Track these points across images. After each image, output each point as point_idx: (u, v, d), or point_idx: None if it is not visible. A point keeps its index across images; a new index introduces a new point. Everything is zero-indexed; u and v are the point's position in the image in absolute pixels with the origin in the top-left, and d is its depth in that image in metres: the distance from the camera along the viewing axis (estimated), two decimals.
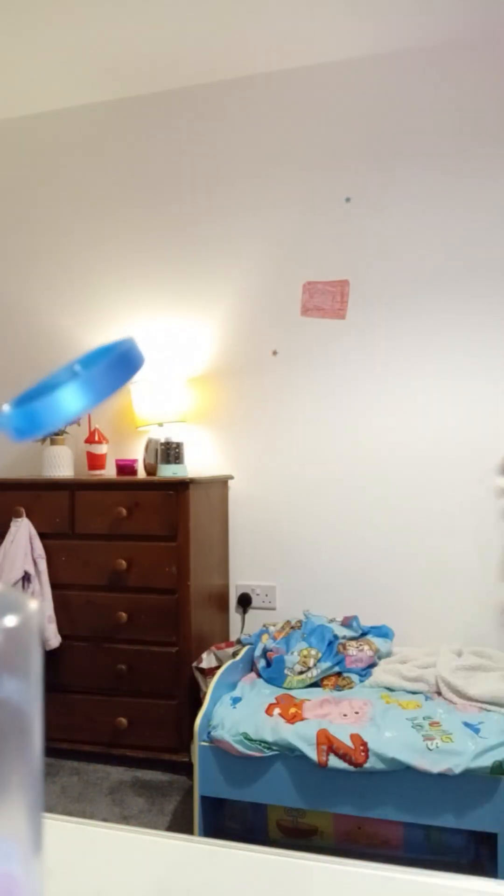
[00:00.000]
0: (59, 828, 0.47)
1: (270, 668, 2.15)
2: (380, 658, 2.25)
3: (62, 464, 2.64)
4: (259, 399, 2.72)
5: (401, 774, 1.69)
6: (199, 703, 2.19)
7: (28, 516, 2.40)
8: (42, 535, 2.40)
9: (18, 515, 2.39)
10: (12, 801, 0.25)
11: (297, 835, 1.88)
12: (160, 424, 2.64)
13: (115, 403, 2.90)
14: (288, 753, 1.76)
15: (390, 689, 2.05)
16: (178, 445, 2.50)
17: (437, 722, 1.79)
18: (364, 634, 2.34)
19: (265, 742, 1.77)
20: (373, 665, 2.21)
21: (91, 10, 2.33)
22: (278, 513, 2.69)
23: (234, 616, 2.74)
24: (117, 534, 2.37)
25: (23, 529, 2.35)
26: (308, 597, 2.66)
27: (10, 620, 0.25)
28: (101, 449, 2.70)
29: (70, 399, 0.29)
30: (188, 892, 0.40)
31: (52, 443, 2.66)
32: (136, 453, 2.85)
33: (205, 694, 1.97)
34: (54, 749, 2.42)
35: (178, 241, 2.83)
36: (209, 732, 1.84)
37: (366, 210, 2.62)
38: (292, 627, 2.34)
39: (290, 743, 1.74)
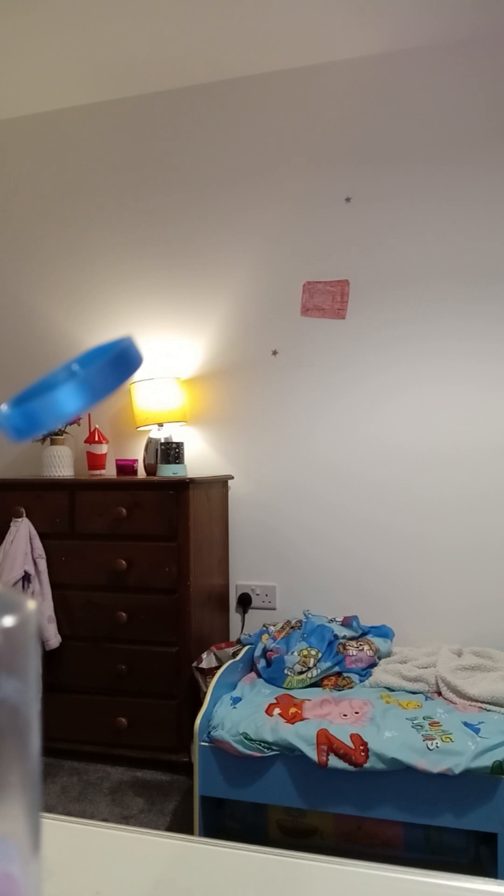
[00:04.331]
0: (58, 828, 0.47)
1: (270, 668, 2.15)
2: (380, 658, 2.25)
3: (62, 464, 2.64)
4: (259, 399, 2.72)
5: (401, 774, 1.69)
6: (199, 703, 2.19)
7: (28, 516, 2.40)
8: (42, 535, 2.40)
9: (18, 515, 2.39)
10: (11, 801, 0.25)
11: (297, 835, 1.88)
12: (160, 424, 2.64)
13: (115, 403, 2.90)
14: (288, 753, 1.76)
15: (390, 689, 2.05)
16: (178, 445, 2.50)
17: (437, 722, 1.79)
18: (364, 634, 2.34)
19: (265, 742, 1.77)
20: (373, 665, 2.21)
21: (92, 10, 2.33)
22: (278, 513, 2.69)
23: (234, 616, 2.74)
24: (117, 534, 2.36)
25: (23, 529, 2.35)
26: (308, 597, 2.66)
27: (9, 620, 0.25)
28: (101, 449, 2.70)
29: (68, 398, 0.29)
30: (188, 892, 0.40)
31: (52, 443, 2.66)
32: (136, 453, 2.85)
33: (205, 694, 1.97)
34: (54, 749, 2.42)
35: (179, 240, 2.83)
36: (209, 732, 1.84)
37: (366, 210, 2.62)
38: (292, 627, 2.34)
39: (290, 743, 1.74)
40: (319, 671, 2.10)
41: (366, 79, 2.62)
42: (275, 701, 1.93)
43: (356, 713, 1.85)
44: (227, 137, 2.77)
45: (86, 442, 2.70)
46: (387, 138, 2.61)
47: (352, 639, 2.27)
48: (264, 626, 2.42)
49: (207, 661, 2.25)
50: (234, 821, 1.95)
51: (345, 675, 2.13)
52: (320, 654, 2.15)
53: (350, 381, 2.63)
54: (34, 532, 2.38)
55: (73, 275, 2.96)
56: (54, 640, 2.36)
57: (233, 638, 2.71)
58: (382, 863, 0.43)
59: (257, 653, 2.23)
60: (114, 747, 2.35)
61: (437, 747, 1.67)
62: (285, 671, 2.12)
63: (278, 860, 0.43)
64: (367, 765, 1.68)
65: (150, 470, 2.61)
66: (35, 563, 2.36)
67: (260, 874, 0.42)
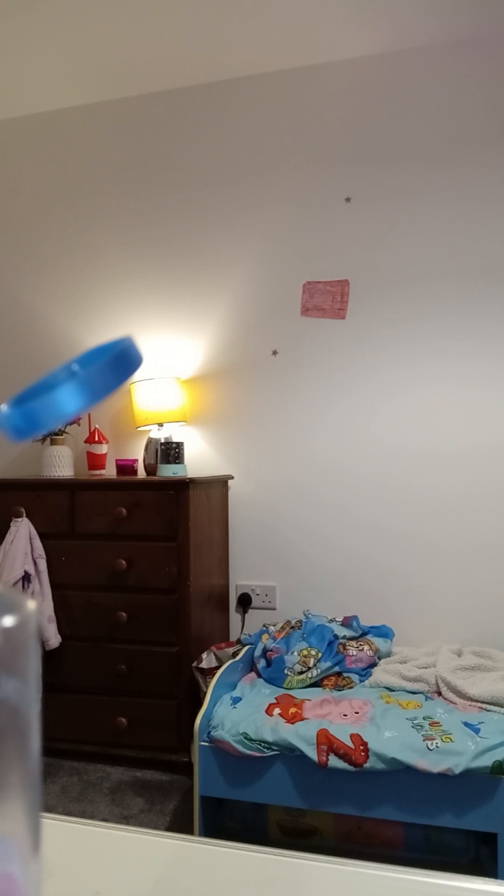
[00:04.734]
0: (58, 828, 0.47)
1: (270, 668, 2.15)
2: (380, 658, 2.25)
3: (62, 464, 2.64)
4: (259, 399, 2.72)
5: (401, 774, 1.69)
6: (199, 703, 2.19)
7: (28, 516, 2.40)
8: (42, 535, 2.40)
9: (18, 515, 2.39)
10: (11, 801, 0.25)
11: (297, 835, 1.88)
12: (160, 424, 2.64)
13: (115, 403, 2.90)
14: (288, 753, 1.76)
15: (390, 689, 2.05)
16: (178, 445, 2.50)
17: (437, 722, 1.79)
18: (364, 634, 2.34)
19: (265, 742, 1.77)
20: (373, 665, 2.20)
21: (92, 10, 2.33)
22: (278, 513, 2.69)
23: (234, 616, 2.74)
24: (117, 534, 2.36)
25: (23, 529, 2.35)
26: (308, 597, 2.66)
27: (9, 620, 0.25)
28: (101, 449, 2.70)
29: (68, 398, 0.29)
30: (188, 892, 0.40)
31: (52, 443, 2.66)
32: (136, 453, 2.85)
33: (205, 694, 1.97)
34: (54, 749, 2.42)
35: (179, 240, 2.83)
36: (209, 732, 1.84)
37: (366, 210, 2.62)
38: (292, 627, 2.34)
39: (290, 743, 1.74)
40: (319, 671, 2.10)
41: (366, 79, 2.62)
42: (275, 701, 1.93)
43: (356, 713, 1.85)
44: (227, 137, 2.77)
45: (86, 442, 2.70)
46: (387, 138, 2.60)
47: (352, 639, 2.27)
48: (264, 626, 2.42)
49: (207, 661, 2.25)
50: (234, 821, 1.95)
51: (345, 675, 2.13)
52: (320, 654, 2.15)
53: (350, 381, 2.63)
54: (34, 532, 2.38)
55: (73, 275, 2.96)
56: (54, 640, 2.36)
57: (233, 638, 2.71)
58: (382, 863, 0.43)
59: (257, 653, 2.23)
60: (114, 747, 2.35)
61: (437, 747, 1.67)
62: (285, 671, 2.12)
63: (278, 860, 0.43)
64: (367, 765, 1.68)
65: (150, 470, 2.61)
66: (35, 563, 2.36)
67: (260, 874, 0.42)
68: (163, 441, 2.54)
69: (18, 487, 2.47)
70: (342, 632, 2.29)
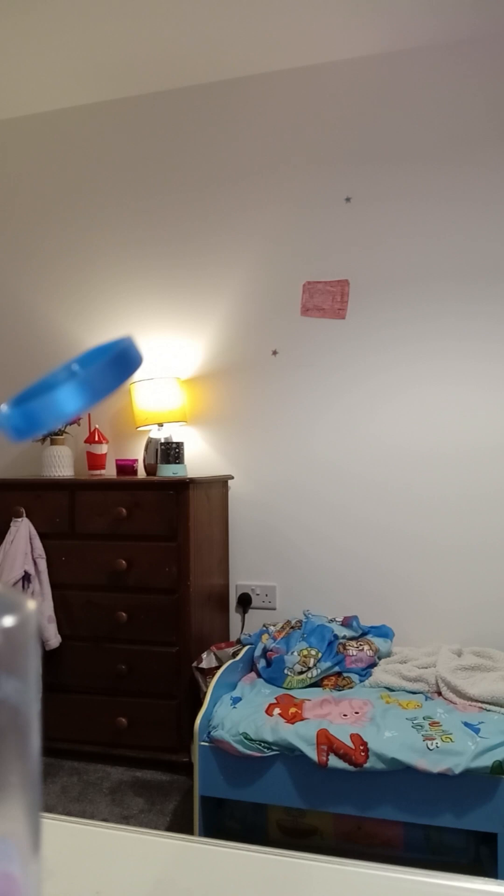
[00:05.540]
0: (58, 828, 0.47)
1: (270, 668, 2.15)
2: (380, 658, 2.25)
3: (62, 464, 2.64)
4: (259, 399, 2.72)
5: (401, 774, 1.69)
6: (199, 703, 2.19)
7: (28, 516, 2.40)
8: (42, 535, 2.40)
9: (18, 515, 2.39)
10: (11, 801, 0.25)
11: (297, 835, 1.88)
12: (160, 424, 2.64)
13: (115, 403, 2.90)
14: (288, 753, 1.76)
15: (390, 689, 2.05)
16: (178, 445, 2.50)
17: (437, 722, 1.79)
18: (364, 634, 2.34)
19: (265, 742, 1.77)
20: (373, 665, 2.21)
21: (92, 10, 2.33)
22: (278, 513, 2.69)
23: (234, 616, 2.74)
24: (117, 534, 2.36)
25: (23, 529, 2.35)
26: (308, 597, 2.66)
27: (9, 620, 0.25)
28: (101, 449, 2.70)
29: (68, 398, 0.29)
30: (188, 892, 0.40)
31: (52, 443, 2.66)
32: (136, 453, 2.85)
33: (205, 694, 1.97)
34: (54, 749, 2.42)
35: (179, 240, 2.83)
36: (209, 732, 1.84)
37: (366, 210, 2.62)
38: (292, 627, 2.34)
39: (290, 743, 1.74)
40: (319, 671, 2.10)
41: (366, 79, 2.62)
42: (275, 701, 1.93)
43: (356, 713, 1.85)
44: (227, 137, 2.77)
45: (86, 442, 2.70)
46: (387, 138, 2.60)
47: (352, 639, 2.27)
48: (264, 626, 2.42)
49: (207, 661, 2.25)
50: (234, 821, 1.95)
51: (345, 675, 2.13)
52: (320, 654, 2.15)
53: (350, 381, 2.63)
54: (34, 532, 2.38)
55: (73, 275, 2.96)
56: (54, 640, 2.36)
57: (233, 638, 2.71)
58: (382, 863, 0.43)
59: (257, 653, 2.23)
60: (114, 747, 2.35)
61: (437, 747, 1.67)
62: (285, 671, 2.12)
63: (278, 860, 0.43)
64: (367, 765, 1.68)
65: (150, 470, 2.61)
66: (35, 563, 2.36)
67: (260, 874, 0.42)
68: (163, 441, 2.54)
69: (18, 487, 2.47)
70: (342, 632, 2.29)
